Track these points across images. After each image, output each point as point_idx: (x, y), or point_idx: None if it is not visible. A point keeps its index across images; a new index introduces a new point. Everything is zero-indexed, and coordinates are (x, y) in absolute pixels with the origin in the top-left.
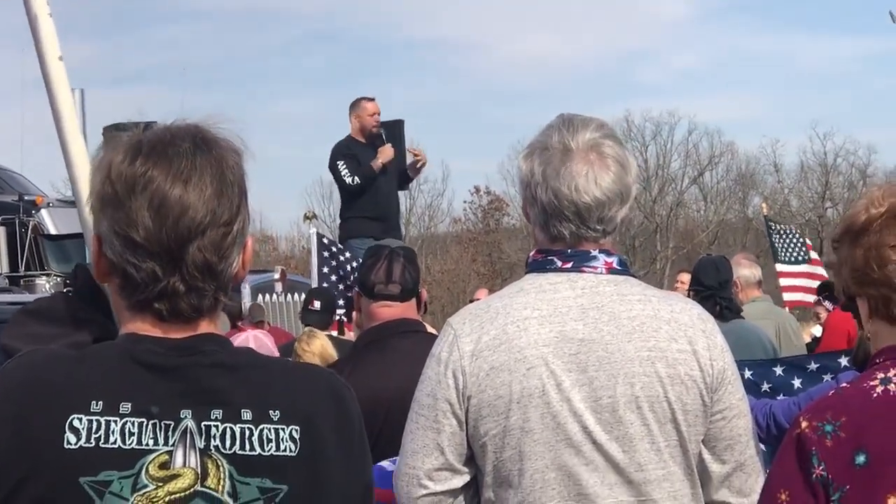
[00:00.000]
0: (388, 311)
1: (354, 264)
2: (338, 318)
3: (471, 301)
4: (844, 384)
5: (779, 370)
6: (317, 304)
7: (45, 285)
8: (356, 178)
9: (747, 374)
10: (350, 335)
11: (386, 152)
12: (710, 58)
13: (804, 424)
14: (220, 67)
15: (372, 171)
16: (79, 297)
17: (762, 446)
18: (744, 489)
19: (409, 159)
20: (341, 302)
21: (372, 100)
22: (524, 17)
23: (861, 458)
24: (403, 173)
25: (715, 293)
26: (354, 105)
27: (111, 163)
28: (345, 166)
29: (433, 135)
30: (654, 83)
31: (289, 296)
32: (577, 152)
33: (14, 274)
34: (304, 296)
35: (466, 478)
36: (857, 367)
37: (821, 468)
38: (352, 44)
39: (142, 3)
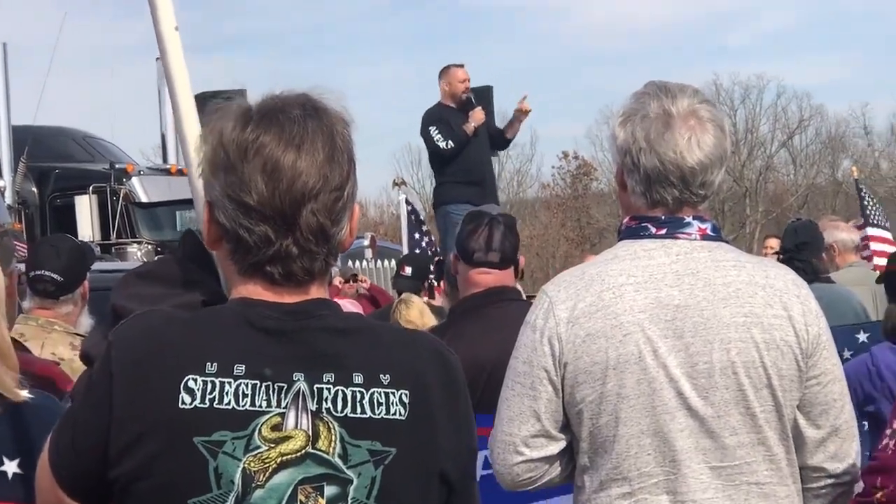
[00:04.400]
0: (487, 278)
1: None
2: (428, 282)
3: None
4: None
5: (862, 336)
6: (408, 270)
7: (136, 253)
8: (450, 141)
9: None
10: (439, 299)
11: (477, 116)
12: (800, 20)
13: None
14: (309, 33)
15: (465, 134)
16: (188, 261)
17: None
18: (839, 454)
19: (500, 125)
20: (431, 267)
21: (461, 66)
22: None
23: None
24: (495, 137)
25: (804, 257)
26: (444, 72)
27: (222, 130)
28: (437, 131)
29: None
30: (742, 46)
31: (379, 262)
32: (678, 118)
33: (106, 242)
34: (393, 262)
35: (562, 444)
36: (888, 337)
37: None
38: (440, 9)
39: None
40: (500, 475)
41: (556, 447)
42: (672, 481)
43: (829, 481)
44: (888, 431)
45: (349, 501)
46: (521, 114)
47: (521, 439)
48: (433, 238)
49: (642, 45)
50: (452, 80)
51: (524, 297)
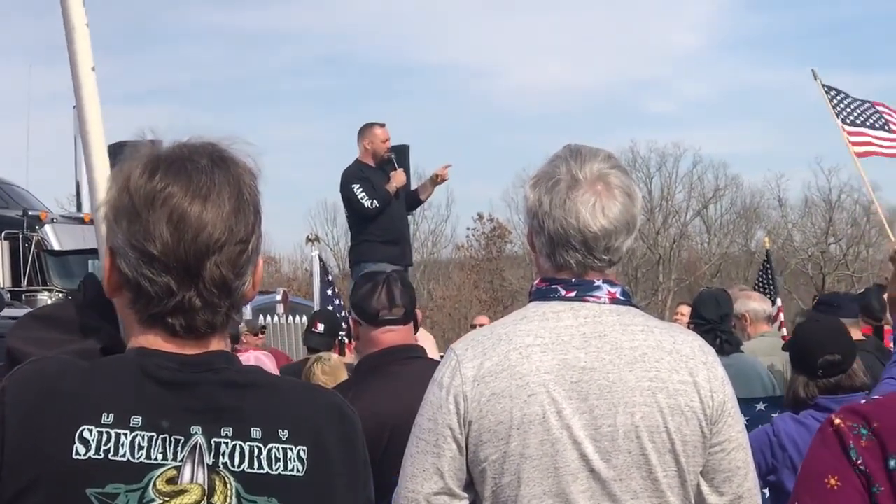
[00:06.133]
0: (392, 335)
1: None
2: (339, 339)
3: (472, 327)
4: (877, 396)
5: (760, 405)
6: (320, 327)
7: (46, 300)
8: (375, 201)
9: None
10: (350, 356)
11: (399, 177)
12: (718, 90)
13: (838, 421)
14: (227, 89)
15: (389, 194)
16: (88, 307)
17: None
18: None
19: (415, 185)
20: (344, 324)
21: (382, 125)
22: (533, 45)
23: (893, 463)
24: (410, 197)
25: (715, 327)
26: (365, 130)
27: (129, 177)
28: (361, 190)
29: (438, 160)
30: (660, 114)
31: (290, 318)
32: (584, 182)
33: (16, 289)
34: (305, 318)
35: (465, 503)
36: (790, 407)
37: (860, 461)
38: (360, 68)
39: (153, 22)
40: None
41: None
42: None
43: None
44: None
45: None
46: (439, 179)
47: (424, 496)
48: (342, 301)
49: (562, 109)
50: (375, 139)
51: (429, 355)
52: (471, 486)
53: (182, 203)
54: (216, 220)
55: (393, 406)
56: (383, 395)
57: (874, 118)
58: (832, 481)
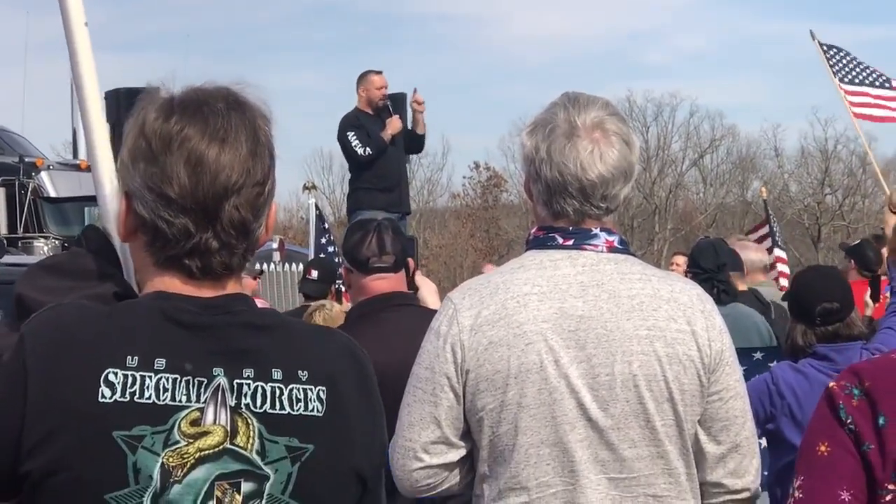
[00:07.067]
0: (383, 283)
1: None
2: (336, 287)
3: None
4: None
5: (757, 355)
6: (314, 274)
7: (43, 248)
8: (368, 148)
9: None
10: (347, 304)
11: (395, 124)
12: (715, 40)
13: (832, 384)
14: (224, 37)
15: (383, 141)
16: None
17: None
18: (739, 470)
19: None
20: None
21: (379, 73)
22: None
23: (881, 421)
24: (410, 138)
25: (713, 276)
26: (362, 78)
27: (145, 120)
28: (355, 137)
29: (434, 108)
30: (657, 64)
31: (286, 265)
32: (582, 130)
33: (12, 235)
34: (300, 266)
35: (462, 452)
36: (788, 355)
37: (849, 421)
38: (356, 16)
39: None
40: (400, 480)
41: (455, 454)
42: (570, 492)
43: (728, 497)
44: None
45: (265, 498)
46: (418, 105)
47: (421, 445)
48: (336, 249)
49: (559, 58)
50: (370, 86)
51: (421, 303)
52: (468, 434)
53: (199, 145)
54: (234, 162)
55: (383, 352)
56: (375, 343)
57: (874, 76)
58: (822, 448)
